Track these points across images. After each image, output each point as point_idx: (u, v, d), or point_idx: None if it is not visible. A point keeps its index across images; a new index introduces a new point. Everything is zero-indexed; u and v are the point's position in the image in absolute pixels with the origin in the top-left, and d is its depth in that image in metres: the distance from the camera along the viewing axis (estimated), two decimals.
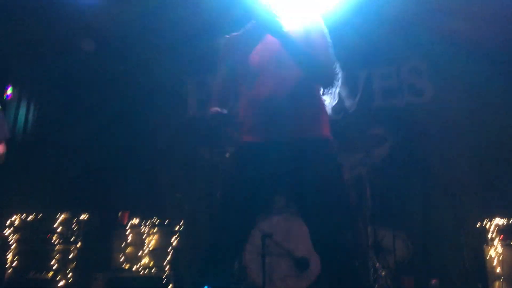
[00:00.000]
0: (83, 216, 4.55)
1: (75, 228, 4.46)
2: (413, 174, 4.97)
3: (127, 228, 4.50)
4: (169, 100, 5.65)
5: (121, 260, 4.38)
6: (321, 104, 2.30)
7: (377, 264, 4.13)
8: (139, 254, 4.40)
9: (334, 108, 5.74)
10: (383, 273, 4.12)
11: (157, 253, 4.40)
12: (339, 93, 5.65)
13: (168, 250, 4.40)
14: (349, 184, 4.75)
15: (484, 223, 4.43)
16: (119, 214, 4.60)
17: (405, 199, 4.88)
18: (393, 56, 5.38)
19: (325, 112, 2.31)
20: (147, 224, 4.50)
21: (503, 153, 4.68)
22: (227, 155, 4.43)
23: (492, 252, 4.32)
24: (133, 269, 4.31)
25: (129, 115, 5.51)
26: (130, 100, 5.50)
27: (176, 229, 4.53)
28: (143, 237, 4.44)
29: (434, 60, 5.13)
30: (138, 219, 4.58)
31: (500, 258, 4.19)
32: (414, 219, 4.78)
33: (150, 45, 5.25)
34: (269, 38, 2.31)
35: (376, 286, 3.98)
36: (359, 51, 5.23)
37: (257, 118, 2.18)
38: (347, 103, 5.63)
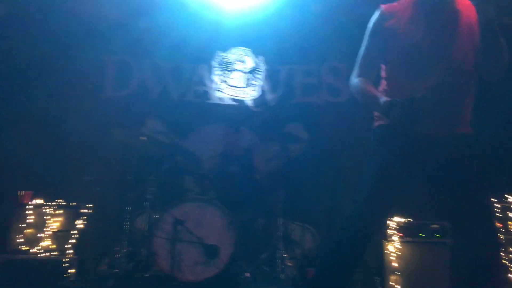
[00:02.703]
0: None
1: None
2: (324, 170, 5.17)
3: (27, 208, 4.21)
4: (85, 79, 5.38)
5: (19, 241, 4.10)
6: (472, 99, 2.15)
7: (285, 255, 4.24)
8: (40, 235, 4.15)
9: (255, 101, 5.86)
10: (290, 264, 4.24)
11: (60, 236, 4.18)
12: (261, 87, 5.74)
13: (73, 232, 4.21)
14: (264, 176, 4.83)
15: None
16: (19, 193, 4.29)
17: (315, 194, 5.05)
18: (317, 54, 5.54)
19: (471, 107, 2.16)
20: (51, 205, 4.26)
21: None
22: (142, 138, 4.32)
23: (391, 248, 4.58)
24: (32, 251, 4.05)
25: (40, 93, 5.16)
26: (41, 78, 5.15)
27: (84, 212, 4.34)
28: (46, 218, 4.19)
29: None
30: (42, 200, 4.31)
31: (398, 254, 4.46)
32: (323, 214, 4.97)
33: (68, 23, 4.99)
34: (444, 13, 2.07)
35: (282, 276, 4.08)
36: (285, 45, 5.33)
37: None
38: (269, 97, 5.71)
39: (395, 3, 2.20)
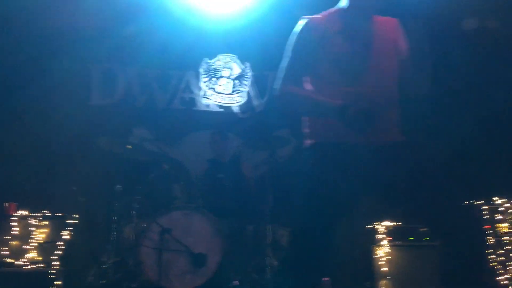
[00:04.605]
0: None
1: None
2: (312, 177, 5.14)
3: (12, 219, 4.14)
4: (70, 87, 5.33)
5: (3, 253, 4.03)
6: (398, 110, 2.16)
7: (275, 262, 4.21)
8: (25, 247, 4.08)
9: (242, 107, 5.86)
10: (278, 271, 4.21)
11: (46, 247, 4.12)
12: (248, 93, 5.73)
13: (58, 244, 4.14)
14: (252, 183, 4.81)
15: (373, 224, 4.69)
16: (3, 204, 4.23)
17: (303, 200, 5.02)
18: None
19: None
20: (36, 216, 4.19)
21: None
22: (128, 146, 4.28)
23: (380, 252, 4.58)
24: (17, 263, 3.98)
25: (24, 102, 5.09)
26: (25, 86, 5.09)
27: (70, 222, 4.28)
28: (31, 230, 4.13)
29: None
30: (27, 211, 4.25)
31: (388, 258, 4.46)
32: (311, 220, 4.93)
33: (55, 30, 4.94)
34: (368, 24, 2.12)
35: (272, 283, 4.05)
36: (270, 51, 5.32)
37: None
38: (255, 102, 5.70)
39: (318, 15, 2.19)
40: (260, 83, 5.75)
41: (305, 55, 2.12)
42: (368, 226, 4.82)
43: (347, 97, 1.96)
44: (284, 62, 2.16)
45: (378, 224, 4.72)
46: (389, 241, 4.54)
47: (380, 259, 4.53)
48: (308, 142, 2.19)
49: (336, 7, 2.23)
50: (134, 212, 4.20)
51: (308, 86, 2.16)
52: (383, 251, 4.57)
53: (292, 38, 2.17)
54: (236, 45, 5.62)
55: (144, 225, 4.11)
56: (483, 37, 4.91)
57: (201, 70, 5.72)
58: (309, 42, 2.11)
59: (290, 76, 2.14)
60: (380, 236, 4.71)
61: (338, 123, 1.98)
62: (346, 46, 2.08)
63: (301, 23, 2.17)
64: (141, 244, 3.97)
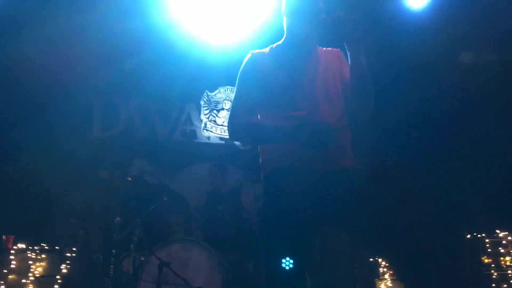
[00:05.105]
0: None
1: None
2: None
3: (10, 252, 4.12)
4: (73, 119, 5.38)
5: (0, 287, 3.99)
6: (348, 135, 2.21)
7: None
8: (23, 281, 4.04)
9: None
10: None
11: (44, 281, 4.08)
12: None
13: (57, 277, 4.10)
14: (230, 198, 4.79)
15: (376, 258, 4.64)
16: (2, 237, 4.20)
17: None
18: None
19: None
20: (34, 249, 4.16)
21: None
22: (129, 178, 4.28)
23: (382, 286, 4.52)
24: None
25: (25, 135, 5.12)
26: (26, 119, 5.13)
27: (68, 256, 4.25)
28: (29, 263, 4.10)
29: None
30: (24, 244, 4.22)
31: None
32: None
33: (58, 63, 5.02)
34: (309, 55, 2.22)
35: None
36: None
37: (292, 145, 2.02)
38: None
39: (264, 49, 2.29)
40: None
41: (249, 85, 2.19)
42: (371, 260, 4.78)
43: (297, 120, 2.01)
44: (236, 94, 2.24)
45: (381, 258, 4.67)
46: (391, 275, 4.49)
47: None
48: (268, 170, 2.16)
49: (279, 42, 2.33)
50: (133, 245, 4.17)
51: (259, 114, 2.22)
52: (385, 285, 4.51)
53: (241, 70, 2.26)
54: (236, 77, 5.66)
55: (143, 258, 4.07)
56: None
57: (202, 103, 5.77)
58: (254, 73, 2.19)
59: (237, 106, 2.19)
60: (382, 269, 4.66)
61: (294, 146, 2.02)
62: (286, 79, 2.16)
63: (247, 56, 2.27)
64: (140, 278, 3.93)
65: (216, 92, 5.85)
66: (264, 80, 2.17)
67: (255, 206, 4.75)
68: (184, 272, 3.94)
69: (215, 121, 5.75)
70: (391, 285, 4.46)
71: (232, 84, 5.78)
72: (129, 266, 4.17)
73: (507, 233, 4.36)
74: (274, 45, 2.32)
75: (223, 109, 5.80)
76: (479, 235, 4.36)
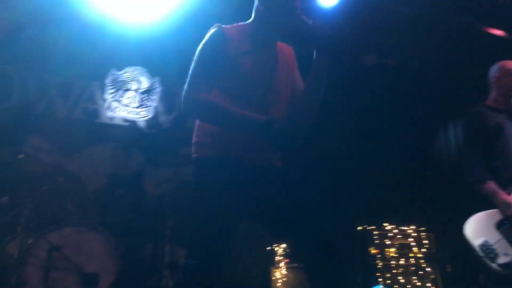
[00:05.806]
0: None
1: None
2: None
3: None
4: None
5: None
6: None
7: (171, 282, 4.11)
8: None
9: (148, 123, 5.71)
10: None
11: None
12: (155, 108, 5.62)
13: None
14: (131, 181, 4.68)
15: (273, 246, 4.78)
16: None
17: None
18: None
19: None
20: None
21: None
22: (20, 156, 3.99)
23: (277, 274, 4.66)
24: None
25: None
26: None
27: None
28: None
29: None
30: None
31: (285, 280, 4.54)
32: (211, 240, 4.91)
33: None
34: (274, 47, 2.20)
35: None
36: (182, 67, 5.26)
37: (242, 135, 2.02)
38: (162, 118, 5.61)
39: (230, 27, 2.20)
40: (169, 99, 5.67)
41: (212, 62, 2.10)
42: (268, 248, 4.91)
43: (260, 115, 1.99)
44: (195, 67, 2.11)
45: (276, 246, 4.82)
46: (286, 263, 4.64)
47: (278, 281, 4.61)
48: (202, 152, 2.12)
49: (247, 22, 2.26)
50: (20, 227, 3.88)
51: (216, 95, 2.11)
52: (280, 272, 4.65)
53: (205, 43, 2.14)
54: (148, 58, 5.49)
55: (31, 241, 3.82)
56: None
57: (107, 81, 5.51)
58: (220, 52, 2.09)
59: (197, 80, 2.08)
60: (278, 257, 4.80)
61: (242, 138, 2.01)
62: (249, 60, 2.11)
63: (211, 30, 2.17)
64: (27, 262, 3.68)
65: (123, 71, 5.62)
66: (228, 61, 2.08)
67: (157, 191, 4.67)
68: (76, 257, 3.76)
69: (120, 101, 5.52)
70: (286, 272, 4.60)
71: (141, 65, 5.63)
72: (14, 249, 3.89)
73: (394, 226, 4.69)
74: (239, 24, 2.24)
75: (129, 89, 5.59)
76: (368, 227, 4.66)
